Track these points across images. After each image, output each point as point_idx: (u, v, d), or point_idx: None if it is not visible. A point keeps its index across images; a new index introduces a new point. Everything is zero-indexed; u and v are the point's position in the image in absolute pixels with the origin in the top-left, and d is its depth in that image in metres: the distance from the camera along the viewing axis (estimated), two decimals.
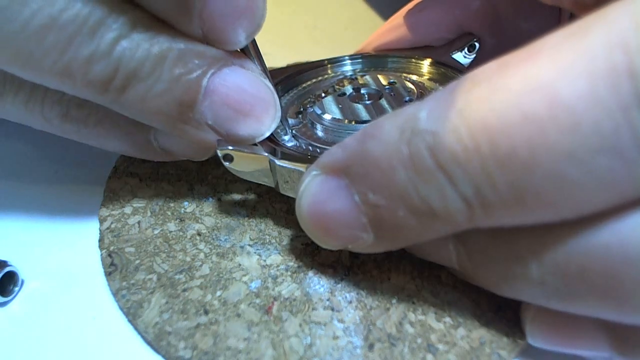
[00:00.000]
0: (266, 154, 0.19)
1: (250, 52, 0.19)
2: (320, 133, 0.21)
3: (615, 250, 0.12)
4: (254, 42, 0.19)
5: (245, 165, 0.19)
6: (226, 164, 0.19)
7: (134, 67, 0.17)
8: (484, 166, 0.12)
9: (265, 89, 0.19)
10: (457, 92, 0.13)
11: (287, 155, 0.19)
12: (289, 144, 0.21)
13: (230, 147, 0.19)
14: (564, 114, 0.11)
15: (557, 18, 0.24)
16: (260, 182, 0.20)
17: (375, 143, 0.14)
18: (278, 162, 0.19)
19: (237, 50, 0.19)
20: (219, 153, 0.19)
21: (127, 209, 0.22)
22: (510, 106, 0.12)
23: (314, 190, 0.16)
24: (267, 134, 0.19)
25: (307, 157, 0.19)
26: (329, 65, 0.26)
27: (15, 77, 0.18)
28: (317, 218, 0.16)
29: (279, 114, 0.20)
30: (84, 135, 0.21)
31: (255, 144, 0.19)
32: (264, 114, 0.19)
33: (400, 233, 0.15)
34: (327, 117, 0.22)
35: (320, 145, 0.20)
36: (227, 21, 0.17)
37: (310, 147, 0.20)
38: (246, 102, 0.18)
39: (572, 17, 0.23)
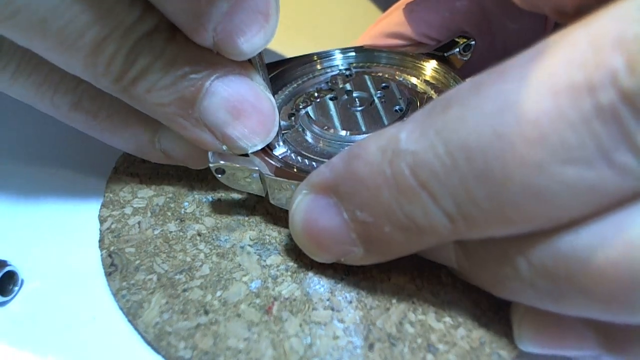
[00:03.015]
0: (257, 168, 0.20)
1: (256, 62, 0.20)
2: (309, 140, 0.22)
3: (599, 252, 0.13)
4: (261, 53, 0.20)
5: (236, 177, 0.20)
6: (218, 176, 0.20)
7: (147, 63, 0.18)
8: (463, 182, 0.13)
9: (267, 103, 0.20)
10: (434, 112, 0.14)
11: (276, 169, 0.19)
12: (280, 151, 0.21)
13: (221, 162, 0.20)
14: (531, 129, 0.12)
15: (543, 20, 0.25)
16: (250, 192, 0.21)
17: (360, 163, 0.15)
18: (267, 175, 0.19)
19: (244, 61, 0.19)
20: (211, 167, 0.20)
21: (128, 210, 0.22)
22: (483, 125, 0.13)
23: (305, 209, 0.17)
24: (260, 146, 0.20)
25: (295, 173, 0.19)
26: (318, 60, 0.26)
27: (32, 59, 0.19)
28: (309, 235, 0.17)
29: (276, 129, 0.20)
30: (90, 126, 0.21)
31: (246, 155, 0.20)
32: (260, 126, 0.19)
33: (388, 247, 0.16)
34: (316, 125, 0.22)
35: (310, 155, 0.21)
36: (240, 35, 0.18)
37: (299, 158, 0.21)
38: (245, 110, 0.19)
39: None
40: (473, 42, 0.24)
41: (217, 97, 0.19)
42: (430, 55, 0.25)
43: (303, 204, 0.17)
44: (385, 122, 0.22)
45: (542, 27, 0.25)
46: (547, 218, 0.13)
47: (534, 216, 0.13)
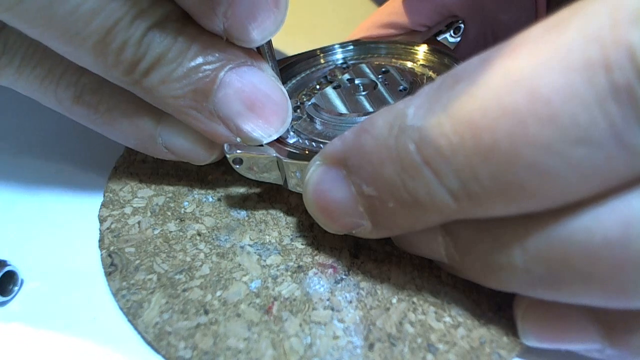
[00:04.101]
0: (274, 154, 0.20)
1: (266, 52, 0.20)
2: (319, 127, 0.22)
3: (597, 234, 0.13)
4: (269, 43, 0.20)
5: (254, 166, 0.20)
6: (236, 167, 0.20)
7: (160, 52, 0.18)
8: (469, 160, 0.13)
9: (279, 93, 0.20)
10: (441, 88, 0.14)
11: (292, 154, 0.20)
12: (292, 140, 0.21)
13: (238, 151, 0.20)
14: (542, 107, 0.12)
15: (534, 12, 0.25)
16: (268, 182, 0.21)
17: (368, 138, 0.15)
18: (285, 160, 0.19)
19: (255, 52, 0.19)
20: (228, 157, 0.20)
21: (127, 209, 0.22)
22: (492, 101, 0.12)
23: (317, 179, 0.17)
24: (275, 137, 0.20)
25: (310, 154, 0.19)
26: (321, 55, 0.26)
27: (36, 53, 0.19)
28: (320, 205, 0.17)
29: (290, 119, 0.20)
30: (92, 120, 0.21)
31: (261, 145, 0.20)
32: (274, 116, 0.19)
33: (393, 222, 0.16)
34: (323, 112, 0.22)
35: (322, 140, 0.21)
36: (250, 21, 0.18)
37: (313, 143, 0.21)
38: (258, 101, 0.19)
39: (549, 10, 0.24)
40: (462, 25, 0.25)
41: (231, 89, 0.18)
42: (420, 40, 0.25)
43: (315, 174, 0.17)
44: (392, 102, 0.22)
45: (534, 16, 0.25)
46: (552, 198, 0.13)
47: (539, 196, 0.13)
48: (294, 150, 0.20)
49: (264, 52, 0.20)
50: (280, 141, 0.21)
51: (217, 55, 0.18)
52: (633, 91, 0.11)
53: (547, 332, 0.16)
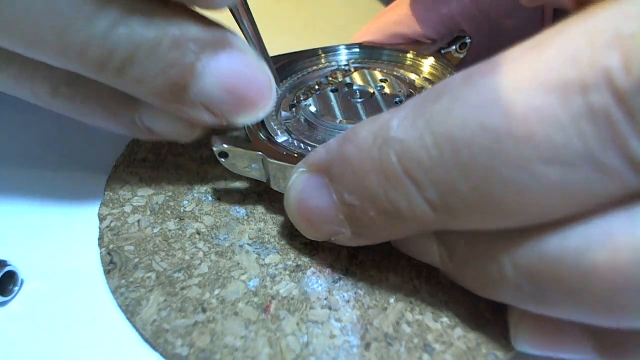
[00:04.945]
0: (259, 152, 0.20)
1: (240, 17, 0.19)
2: (311, 129, 0.22)
3: (586, 255, 0.13)
4: (250, 16, 0.19)
5: (239, 161, 0.20)
6: (221, 160, 0.20)
7: (130, 51, 0.17)
8: (448, 174, 0.13)
9: (262, 73, 0.19)
10: (425, 102, 0.14)
11: (278, 154, 0.20)
12: (282, 139, 0.21)
13: (225, 145, 0.20)
14: (518, 126, 0.12)
15: (540, 16, 0.25)
16: (252, 177, 0.21)
17: (352, 147, 0.15)
18: (269, 159, 0.20)
19: (232, 32, 0.19)
20: (214, 150, 0.20)
21: (127, 208, 0.22)
22: (471, 118, 0.13)
23: (299, 186, 0.17)
24: (262, 117, 0.20)
25: (296, 156, 0.20)
26: (323, 55, 0.26)
27: (5, 52, 0.18)
28: (301, 212, 0.18)
29: (274, 97, 0.20)
30: (71, 111, 0.21)
31: (249, 141, 0.20)
32: (258, 97, 0.19)
33: (373, 231, 0.16)
34: (317, 115, 0.22)
35: (310, 143, 0.21)
36: None
37: (301, 145, 0.21)
38: (240, 85, 0.18)
39: (555, 16, 0.24)
40: (469, 40, 0.25)
41: (210, 78, 0.18)
42: (426, 51, 0.25)
43: (298, 181, 0.17)
44: None
45: (540, 24, 0.25)
46: (528, 216, 0.13)
47: (516, 212, 0.13)
48: (280, 150, 0.20)
49: (238, 17, 0.19)
50: (269, 139, 0.21)
51: (191, 46, 0.17)
52: (608, 113, 0.11)
53: (539, 341, 0.16)
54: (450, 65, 0.24)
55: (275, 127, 0.22)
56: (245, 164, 0.20)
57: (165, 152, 0.25)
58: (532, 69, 0.12)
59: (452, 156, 0.13)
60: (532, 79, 0.12)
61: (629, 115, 0.11)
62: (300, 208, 0.17)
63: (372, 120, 0.15)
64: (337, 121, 0.22)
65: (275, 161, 0.19)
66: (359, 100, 0.23)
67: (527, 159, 0.12)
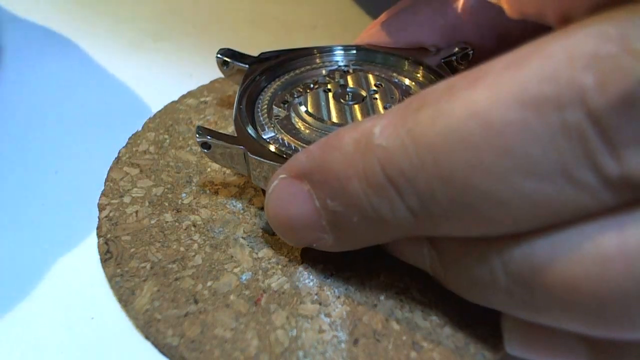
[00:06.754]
0: (241, 147, 0.20)
1: None
2: (299, 128, 0.22)
3: (573, 262, 0.13)
4: None
5: (221, 154, 0.21)
6: (204, 151, 0.21)
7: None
8: (428, 182, 0.13)
9: None
10: (407, 111, 0.14)
11: (260, 150, 0.20)
12: (268, 135, 0.21)
13: (208, 137, 0.20)
14: (496, 139, 0.12)
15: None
16: (235, 170, 0.21)
17: (335, 153, 0.15)
18: (250, 155, 0.20)
19: None
20: (198, 140, 0.20)
21: (126, 198, 0.23)
22: (452, 129, 0.13)
23: (280, 193, 0.17)
24: None
25: (278, 155, 0.20)
26: (321, 54, 0.26)
27: None
28: (281, 218, 0.18)
29: None
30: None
31: (233, 135, 0.20)
32: None
33: (356, 236, 0.16)
34: (307, 114, 0.22)
35: (296, 142, 0.21)
36: None
37: (286, 142, 0.21)
38: None
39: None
40: (471, 52, 0.24)
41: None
42: (427, 60, 0.25)
43: (278, 188, 0.17)
44: None
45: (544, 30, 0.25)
46: (507, 226, 0.13)
47: (495, 222, 0.13)
48: (263, 147, 0.20)
49: None
50: (255, 133, 0.21)
51: None
52: (582, 130, 0.11)
53: (533, 346, 0.16)
54: (449, 75, 0.24)
55: (263, 122, 0.22)
56: (227, 157, 0.20)
57: (167, 146, 0.26)
58: (511, 85, 0.12)
59: (433, 166, 0.13)
60: (510, 93, 0.12)
61: (602, 134, 0.11)
62: (280, 214, 0.17)
63: (354, 126, 0.15)
64: (325, 122, 0.22)
65: (256, 157, 0.20)
66: (351, 103, 0.23)
67: (505, 171, 0.12)
